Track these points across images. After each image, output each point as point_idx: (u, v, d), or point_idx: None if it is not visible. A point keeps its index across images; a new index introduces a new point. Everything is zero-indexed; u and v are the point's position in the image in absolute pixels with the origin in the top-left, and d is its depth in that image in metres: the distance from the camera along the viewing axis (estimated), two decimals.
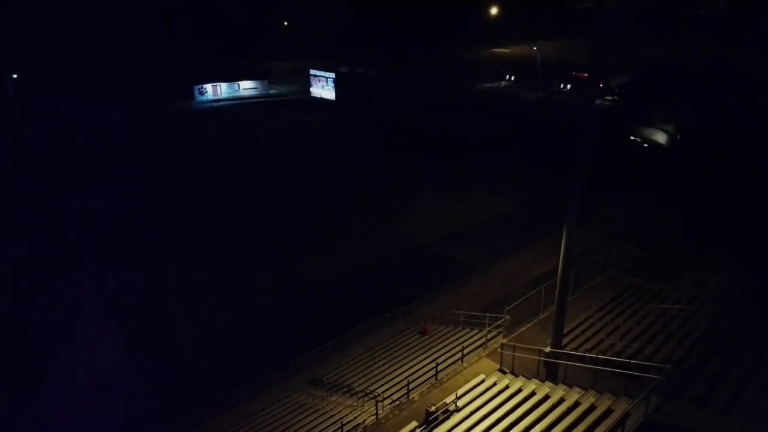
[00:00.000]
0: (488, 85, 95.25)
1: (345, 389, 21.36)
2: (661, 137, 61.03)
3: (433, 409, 17.69)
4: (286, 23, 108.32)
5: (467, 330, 24.51)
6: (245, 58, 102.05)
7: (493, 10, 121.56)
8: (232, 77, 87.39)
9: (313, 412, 20.05)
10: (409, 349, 24.01)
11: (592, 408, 16.52)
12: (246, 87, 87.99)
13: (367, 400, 19.83)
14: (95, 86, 76.46)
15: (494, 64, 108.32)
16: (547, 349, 19.45)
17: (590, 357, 19.27)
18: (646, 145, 61.35)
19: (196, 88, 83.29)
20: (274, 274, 34.99)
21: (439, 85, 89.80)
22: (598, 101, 72.43)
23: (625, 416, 15.09)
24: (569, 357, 19.43)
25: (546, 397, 17.61)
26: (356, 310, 29.07)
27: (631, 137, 63.28)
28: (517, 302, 22.96)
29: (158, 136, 65.41)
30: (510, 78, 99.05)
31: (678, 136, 58.65)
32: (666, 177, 47.57)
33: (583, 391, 17.53)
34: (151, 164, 55.19)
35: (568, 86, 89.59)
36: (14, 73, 64.80)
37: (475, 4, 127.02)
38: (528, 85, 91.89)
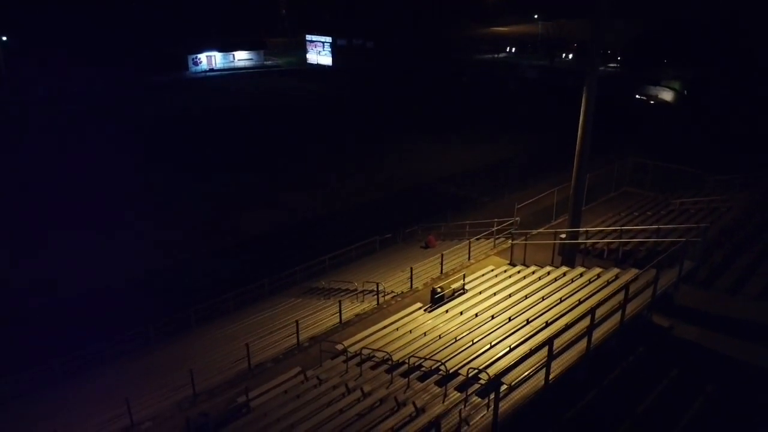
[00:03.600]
0: (488, 56, 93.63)
1: (344, 292, 19.70)
2: (667, 95, 59.60)
3: (439, 289, 16.10)
4: None
5: (474, 239, 22.80)
6: (242, 33, 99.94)
7: None
8: (227, 48, 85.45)
9: (309, 309, 18.35)
10: (413, 259, 22.35)
11: (615, 278, 14.89)
12: (241, 58, 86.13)
13: (368, 294, 18.19)
14: (89, 53, 74.42)
15: (493, 40, 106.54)
16: (563, 235, 17.86)
17: (611, 241, 17.73)
18: (652, 102, 59.85)
19: (190, 58, 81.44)
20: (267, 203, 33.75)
21: (437, 55, 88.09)
22: (601, 68, 71.04)
23: (656, 277, 13.43)
24: (588, 243, 17.87)
25: (563, 275, 15.98)
26: (356, 235, 27.37)
27: (637, 96, 61.81)
28: (528, 202, 21.37)
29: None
30: (510, 50, 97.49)
31: (685, 92, 57.15)
32: (676, 126, 46.11)
33: (604, 270, 15.87)
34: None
35: (570, 56, 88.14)
36: (3, 36, 62.89)
37: None
38: (529, 56, 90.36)
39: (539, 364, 10.60)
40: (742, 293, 15.22)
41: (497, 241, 21.36)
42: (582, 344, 11.36)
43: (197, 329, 19.73)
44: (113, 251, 27.76)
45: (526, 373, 10.52)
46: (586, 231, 17.63)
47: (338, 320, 15.99)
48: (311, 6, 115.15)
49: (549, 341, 10.08)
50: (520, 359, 11.08)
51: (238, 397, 12.71)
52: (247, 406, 12.21)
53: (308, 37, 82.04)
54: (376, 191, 35.63)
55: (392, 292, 17.90)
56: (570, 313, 12.97)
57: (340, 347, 14.10)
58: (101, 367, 16.91)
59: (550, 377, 10.27)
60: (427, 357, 12.03)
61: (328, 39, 78.58)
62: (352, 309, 17.04)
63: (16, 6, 71.92)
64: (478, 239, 22.38)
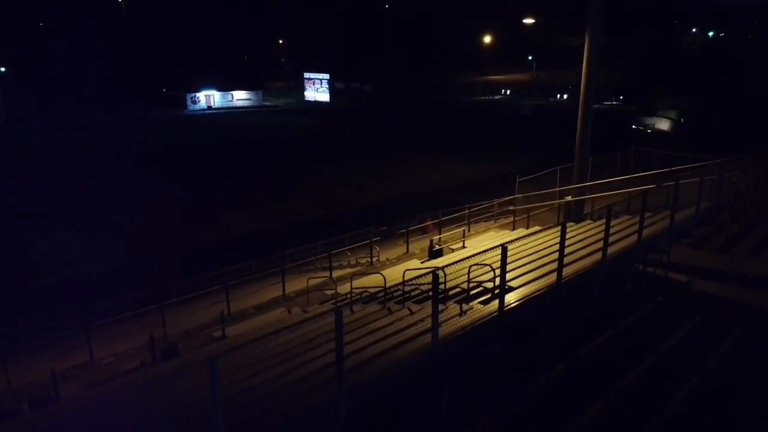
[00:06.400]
0: (484, 98, 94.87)
1: (338, 265, 18.42)
2: (664, 124, 59.80)
3: (436, 245, 14.95)
4: (281, 41, 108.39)
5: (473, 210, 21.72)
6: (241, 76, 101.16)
7: (486, 39, 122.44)
8: (226, 87, 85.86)
9: (298, 274, 17.07)
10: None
11: (627, 221, 13.82)
12: (240, 98, 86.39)
13: (361, 262, 16.98)
14: (88, 89, 74.82)
15: (489, 86, 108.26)
16: (569, 197, 16.86)
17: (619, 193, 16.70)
18: (649, 131, 59.91)
19: (188, 96, 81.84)
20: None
21: (435, 98, 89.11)
22: (596, 105, 71.65)
23: (672, 214, 12.42)
24: (595, 202, 16.83)
25: (571, 225, 14.85)
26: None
27: (634, 126, 61.92)
28: (531, 176, 20.40)
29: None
30: (505, 92, 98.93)
31: (682, 120, 57.34)
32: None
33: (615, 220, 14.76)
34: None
35: (565, 96, 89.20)
36: (2, 67, 63.29)
37: (468, 35, 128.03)
38: (524, 97, 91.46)
39: (551, 269, 9.46)
40: (762, 256, 14.19)
41: (497, 220, 20.33)
42: (597, 256, 10.28)
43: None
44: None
45: (536, 276, 9.35)
46: (594, 185, 16.64)
47: (329, 275, 14.75)
48: (310, 54, 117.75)
49: (562, 229, 8.98)
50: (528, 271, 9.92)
51: (213, 332, 11.38)
52: (223, 339, 10.88)
53: (306, 75, 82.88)
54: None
55: (387, 259, 16.73)
56: (582, 241, 11.89)
57: (329, 292, 12.85)
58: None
59: (563, 277, 9.10)
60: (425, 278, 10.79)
61: (326, 76, 79.35)
62: (344, 270, 15.82)
63: (12, 40, 72.41)
64: (478, 217, 21.34)
